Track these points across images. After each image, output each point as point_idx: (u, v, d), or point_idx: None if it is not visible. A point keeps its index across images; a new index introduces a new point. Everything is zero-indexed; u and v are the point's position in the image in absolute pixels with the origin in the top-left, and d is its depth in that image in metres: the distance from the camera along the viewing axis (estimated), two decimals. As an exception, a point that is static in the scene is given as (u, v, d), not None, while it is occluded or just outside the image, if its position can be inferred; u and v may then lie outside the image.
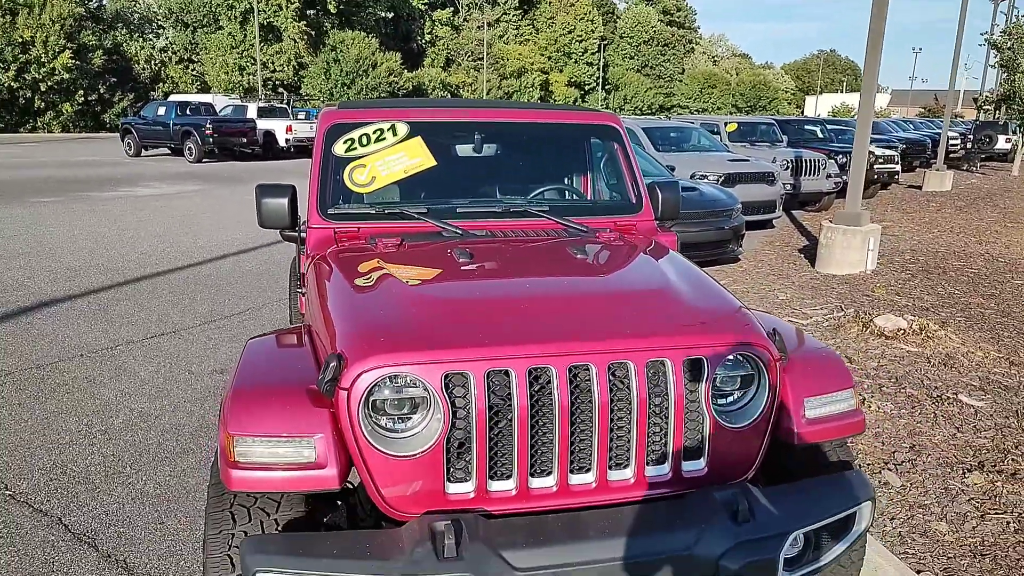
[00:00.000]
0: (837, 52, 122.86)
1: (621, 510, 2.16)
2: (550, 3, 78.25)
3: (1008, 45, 24.19)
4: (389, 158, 3.51)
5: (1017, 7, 26.23)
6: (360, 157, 3.51)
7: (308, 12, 54.16)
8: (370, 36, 54.35)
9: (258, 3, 49.72)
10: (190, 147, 24.93)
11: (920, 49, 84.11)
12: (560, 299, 2.63)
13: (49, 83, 44.81)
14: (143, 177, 19.18)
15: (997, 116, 32.88)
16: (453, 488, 2.10)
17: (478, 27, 66.64)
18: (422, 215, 3.35)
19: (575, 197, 4.15)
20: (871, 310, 6.55)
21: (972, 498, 3.54)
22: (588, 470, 2.17)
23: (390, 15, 60.57)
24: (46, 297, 7.00)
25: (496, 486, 2.12)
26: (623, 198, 3.79)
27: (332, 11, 55.06)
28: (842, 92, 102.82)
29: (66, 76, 44.92)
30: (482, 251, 2.96)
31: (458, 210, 3.47)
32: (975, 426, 4.45)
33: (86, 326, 6.14)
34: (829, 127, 19.70)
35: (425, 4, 65.36)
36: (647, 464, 2.21)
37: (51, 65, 44.20)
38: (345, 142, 3.50)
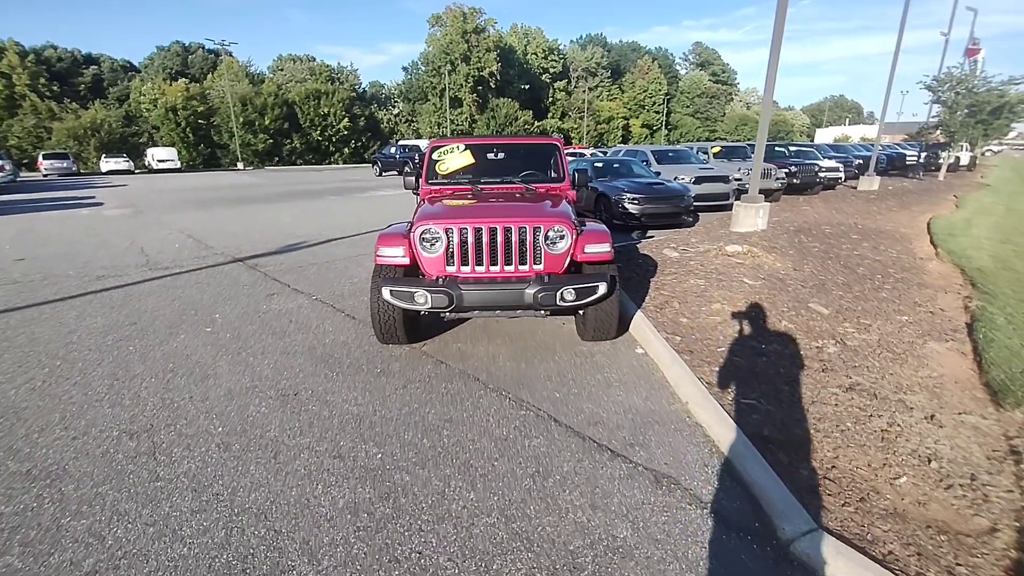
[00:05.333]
0: (845, 96, 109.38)
1: (508, 277, 3.57)
2: (632, 72, 74.91)
3: (941, 88, 21.69)
4: (455, 159, 4.77)
5: (953, 60, 23.05)
6: (442, 159, 4.85)
7: (478, 87, 55.75)
8: (514, 101, 55.16)
9: (449, 85, 52.03)
10: (407, 170, 26.70)
11: (907, 92, 74.14)
12: (499, 207, 3.88)
13: (336, 138, 48.52)
14: (381, 186, 20.94)
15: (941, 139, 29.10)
16: (449, 269, 3.58)
17: (583, 91, 65.43)
18: (465, 181, 4.70)
19: (535, 175, 4.76)
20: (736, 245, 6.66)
21: (702, 308, 4.45)
22: (497, 265, 3.62)
23: (527, 87, 60.87)
24: (326, 238, 8.89)
25: (464, 269, 3.58)
26: (557, 176, 4.76)
27: (492, 87, 56.25)
28: (846, 125, 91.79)
29: (345, 132, 48.52)
30: (481, 193, 4.40)
31: (481, 180, 4.67)
32: (741, 290, 4.93)
33: (342, 250, 7.93)
34: (792, 148, 18.56)
35: (549, 78, 64.94)
36: (521, 265, 3.57)
37: (337, 127, 47.91)
38: (437, 152, 4.91)
